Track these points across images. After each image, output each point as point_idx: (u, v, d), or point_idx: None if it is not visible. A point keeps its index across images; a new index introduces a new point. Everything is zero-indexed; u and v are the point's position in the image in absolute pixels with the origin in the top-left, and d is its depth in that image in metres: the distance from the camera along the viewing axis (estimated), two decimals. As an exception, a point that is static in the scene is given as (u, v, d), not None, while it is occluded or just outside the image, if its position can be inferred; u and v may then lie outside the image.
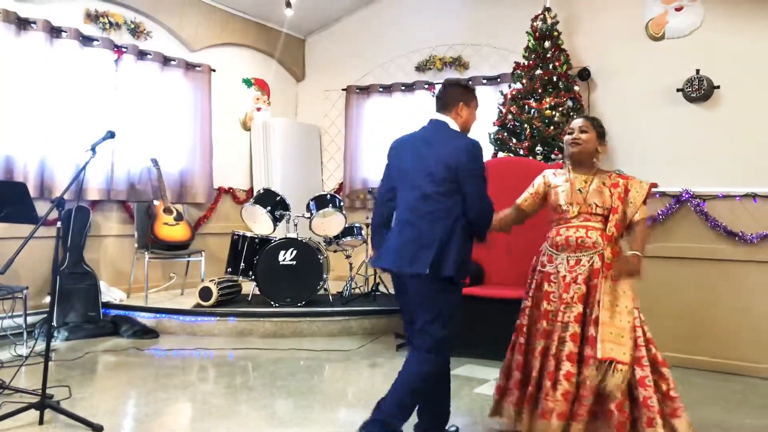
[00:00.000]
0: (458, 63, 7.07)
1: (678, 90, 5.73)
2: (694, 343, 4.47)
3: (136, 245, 5.97)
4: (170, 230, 5.88)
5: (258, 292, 5.65)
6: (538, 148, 5.58)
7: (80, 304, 5.31)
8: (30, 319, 4.92)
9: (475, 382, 4.11)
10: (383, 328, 5.45)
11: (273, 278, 5.49)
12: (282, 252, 5.50)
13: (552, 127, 5.56)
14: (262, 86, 7.73)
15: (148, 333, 5.27)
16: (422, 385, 2.80)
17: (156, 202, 5.98)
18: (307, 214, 5.89)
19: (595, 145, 3.09)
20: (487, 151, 6.01)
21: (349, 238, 6.01)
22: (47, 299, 5.27)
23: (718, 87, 5.57)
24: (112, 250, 6.07)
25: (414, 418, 2.95)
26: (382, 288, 6.06)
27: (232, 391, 3.90)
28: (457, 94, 2.94)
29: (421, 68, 7.29)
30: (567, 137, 3.13)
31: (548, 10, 5.89)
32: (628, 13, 6.05)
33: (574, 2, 6.28)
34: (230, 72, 7.28)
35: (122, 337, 5.19)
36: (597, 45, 6.19)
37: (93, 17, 5.91)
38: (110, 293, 5.72)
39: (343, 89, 7.77)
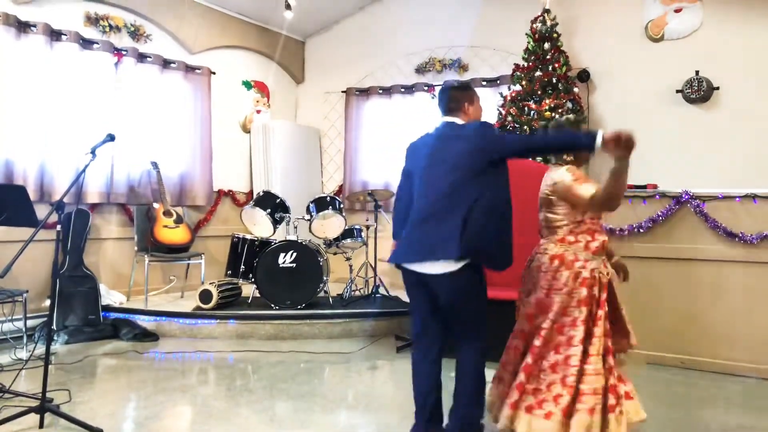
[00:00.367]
0: (458, 65, 7.08)
1: (677, 91, 5.73)
2: (694, 344, 4.46)
3: (135, 248, 5.96)
4: (170, 233, 5.88)
5: (258, 295, 5.64)
6: (538, 150, 5.57)
7: (80, 308, 5.31)
8: (30, 323, 4.92)
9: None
10: (384, 330, 5.44)
11: (273, 281, 5.48)
12: (282, 254, 5.50)
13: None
14: (262, 89, 7.74)
15: (148, 336, 5.27)
16: (483, 374, 2.88)
17: (156, 205, 5.98)
18: (307, 217, 5.89)
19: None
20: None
21: (349, 240, 6.01)
22: (47, 302, 5.27)
23: (718, 88, 5.58)
24: (111, 253, 6.06)
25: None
26: (382, 290, 6.06)
27: (233, 394, 3.90)
28: (459, 96, 3.00)
29: (420, 70, 7.30)
30: None
31: (548, 11, 5.90)
32: (627, 15, 6.06)
33: (573, 4, 6.29)
34: (230, 74, 7.29)
35: (122, 340, 5.19)
36: (596, 46, 6.19)
37: (93, 20, 5.91)
38: (110, 296, 5.71)
39: (342, 91, 7.77)
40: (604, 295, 2.86)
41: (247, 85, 7.56)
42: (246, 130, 7.55)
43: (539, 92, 5.75)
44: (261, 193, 5.95)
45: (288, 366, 4.52)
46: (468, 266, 2.71)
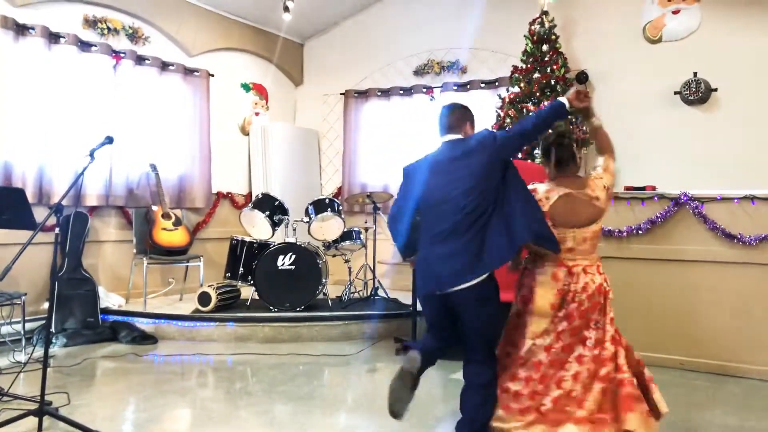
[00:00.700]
0: (456, 67, 7.08)
1: (676, 93, 5.74)
2: (693, 346, 4.47)
3: (134, 251, 5.96)
4: (169, 235, 5.88)
5: (257, 297, 5.64)
6: (536, 152, 5.58)
7: (79, 310, 5.30)
8: (28, 326, 4.91)
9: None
10: (383, 332, 5.44)
11: (272, 283, 5.48)
12: (281, 257, 5.49)
13: (550, 131, 5.55)
14: (261, 91, 7.74)
15: (147, 339, 5.26)
16: (493, 390, 2.86)
17: (154, 208, 5.97)
18: (306, 219, 5.89)
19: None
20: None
21: (347, 243, 6.01)
22: (46, 305, 5.26)
23: (716, 90, 5.59)
24: (110, 256, 6.06)
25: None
26: (381, 292, 6.06)
27: (232, 397, 3.89)
28: (462, 116, 3.03)
29: (419, 72, 7.30)
30: None
31: (546, 13, 5.91)
32: (625, 17, 6.07)
33: (571, 6, 6.29)
34: (228, 77, 7.29)
35: (121, 343, 5.18)
36: (595, 48, 6.20)
37: (91, 23, 5.91)
38: (109, 299, 5.71)
39: (341, 93, 7.78)
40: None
41: (246, 87, 7.56)
42: (245, 132, 7.55)
43: (538, 94, 5.75)
44: (260, 196, 5.95)
45: (287, 368, 4.52)
46: (490, 276, 2.77)
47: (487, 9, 6.83)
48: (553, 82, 5.75)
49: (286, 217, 5.83)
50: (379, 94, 7.52)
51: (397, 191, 3.13)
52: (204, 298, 5.44)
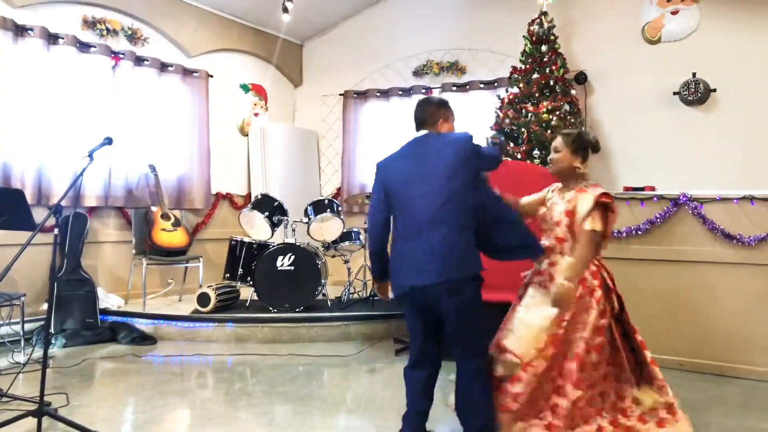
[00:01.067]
0: (455, 67, 7.08)
1: (675, 93, 5.74)
2: (693, 346, 4.47)
3: (133, 251, 5.95)
4: (168, 236, 5.87)
5: (256, 298, 5.64)
6: (536, 152, 5.58)
7: (78, 311, 5.30)
8: (27, 326, 4.91)
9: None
10: (382, 333, 5.44)
11: (271, 284, 5.48)
12: (280, 257, 5.49)
13: (549, 131, 5.56)
14: (260, 92, 7.74)
15: (146, 339, 5.26)
16: (490, 398, 2.86)
17: (154, 208, 5.97)
18: (305, 219, 5.89)
19: (569, 161, 3.06)
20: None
21: (347, 243, 6.01)
22: (45, 306, 5.26)
23: (715, 90, 5.59)
24: (109, 257, 6.06)
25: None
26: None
27: (231, 398, 3.89)
28: (436, 111, 2.96)
29: (418, 73, 7.30)
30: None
31: (545, 14, 5.91)
32: (624, 17, 6.07)
33: (570, 6, 6.30)
34: (228, 78, 7.29)
35: (120, 344, 5.18)
36: (594, 49, 6.21)
37: (90, 24, 5.91)
38: (108, 300, 5.71)
39: (340, 94, 7.78)
40: None
41: (245, 88, 7.56)
42: (244, 133, 7.55)
43: (537, 94, 5.76)
44: (259, 196, 5.95)
45: (286, 369, 4.52)
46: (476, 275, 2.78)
47: (486, 10, 6.83)
48: (552, 82, 5.75)
49: (285, 217, 5.83)
50: (378, 94, 7.52)
51: (372, 189, 3.03)
52: (203, 299, 5.44)
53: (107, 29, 6.02)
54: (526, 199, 3.30)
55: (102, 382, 4.27)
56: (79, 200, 5.65)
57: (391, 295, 2.95)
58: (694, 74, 5.65)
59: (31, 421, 3.12)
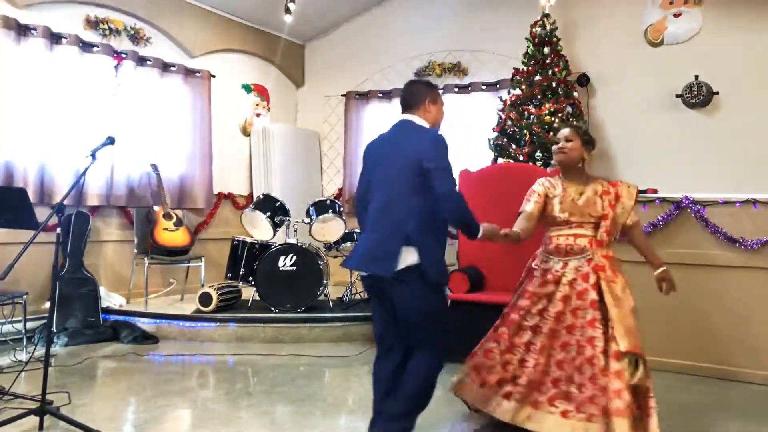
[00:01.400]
0: (457, 69, 7.09)
1: (677, 96, 5.75)
2: (695, 350, 4.46)
3: (135, 251, 5.96)
4: (170, 236, 5.88)
5: (258, 298, 5.64)
6: (538, 154, 5.59)
7: (80, 310, 5.30)
8: (30, 325, 4.91)
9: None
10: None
11: (273, 284, 5.48)
12: (282, 258, 5.50)
13: (551, 133, 5.56)
14: (262, 92, 7.74)
15: (148, 339, 5.26)
16: (429, 389, 2.81)
17: (156, 208, 5.98)
18: (307, 220, 5.89)
19: (580, 153, 3.15)
20: (487, 157, 6.02)
21: (348, 244, 6.01)
22: (47, 305, 5.26)
23: (717, 93, 5.60)
24: (111, 256, 6.06)
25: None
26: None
27: (232, 398, 3.89)
28: (421, 91, 2.91)
29: (420, 74, 7.30)
30: (554, 146, 3.22)
31: (547, 16, 5.92)
32: (627, 19, 6.08)
33: (573, 8, 6.30)
34: (230, 78, 7.29)
35: (122, 343, 5.18)
36: (596, 51, 6.21)
37: (93, 23, 5.92)
38: (110, 299, 5.71)
39: (342, 95, 7.78)
40: (558, 293, 3.02)
41: (247, 88, 7.57)
42: (246, 133, 7.56)
43: (539, 96, 5.76)
44: (261, 197, 5.95)
45: (288, 369, 4.52)
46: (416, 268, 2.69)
47: (488, 11, 6.84)
48: (554, 84, 5.75)
49: (287, 218, 5.83)
50: (380, 95, 7.53)
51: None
52: (205, 299, 5.44)
53: (110, 29, 6.03)
54: (531, 208, 3.16)
55: (104, 381, 4.27)
56: (81, 199, 5.65)
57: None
58: (696, 77, 5.65)
59: (33, 420, 3.14)
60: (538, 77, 5.79)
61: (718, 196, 4.48)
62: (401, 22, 7.43)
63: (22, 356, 4.60)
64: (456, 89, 7.00)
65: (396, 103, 7.35)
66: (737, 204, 4.39)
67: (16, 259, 3.14)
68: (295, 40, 8.09)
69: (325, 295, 5.78)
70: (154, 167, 6.05)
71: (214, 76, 6.98)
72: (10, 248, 4.69)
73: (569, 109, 5.73)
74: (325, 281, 5.63)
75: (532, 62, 5.90)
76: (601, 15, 6.23)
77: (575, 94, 5.90)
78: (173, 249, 5.90)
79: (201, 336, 5.34)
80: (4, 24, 5.17)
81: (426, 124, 2.88)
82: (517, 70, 6.03)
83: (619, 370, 2.80)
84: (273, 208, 5.81)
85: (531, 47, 5.92)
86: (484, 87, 6.85)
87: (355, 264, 2.85)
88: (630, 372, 2.80)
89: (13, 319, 4.78)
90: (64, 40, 5.58)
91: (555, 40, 5.89)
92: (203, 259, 6.14)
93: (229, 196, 7.26)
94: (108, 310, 5.53)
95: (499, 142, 5.87)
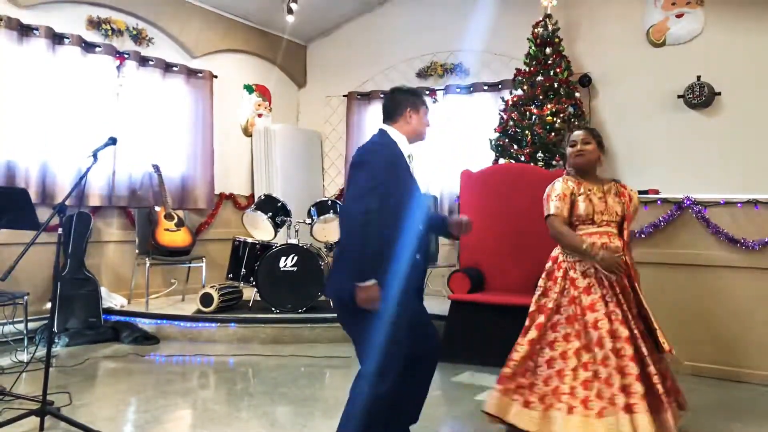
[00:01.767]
0: (459, 69, 7.08)
1: (679, 96, 5.74)
2: (696, 350, 4.45)
3: (137, 251, 5.97)
4: (171, 236, 5.88)
5: (259, 299, 5.64)
6: (540, 155, 5.58)
7: (81, 310, 5.31)
8: (31, 325, 4.91)
9: (476, 389, 4.08)
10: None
11: (274, 284, 5.48)
12: (283, 258, 5.50)
13: (553, 134, 5.56)
14: (264, 92, 7.75)
15: (149, 339, 5.27)
16: (365, 422, 2.58)
17: (157, 208, 5.98)
18: (308, 221, 5.89)
19: (597, 154, 3.18)
20: (488, 158, 6.02)
21: (350, 245, 5.99)
22: (48, 305, 5.26)
23: (719, 93, 5.58)
24: (113, 256, 6.07)
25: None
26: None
27: (233, 398, 3.89)
28: (402, 101, 2.81)
29: (422, 74, 7.30)
30: (570, 149, 3.18)
31: (549, 16, 5.91)
32: (629, 20, 6.07)
33: (575, 9, 6.29)
34: (232, 78, 7.30)
35: (123, 343, 5.19)
36: (598, 51, 6.20)
37: (95, 24, 5.93)
38: (111, 299, 5.71)
39: (344, 95, 7.78)
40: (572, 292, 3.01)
41: (249, 88, 7.57)
42: (247, 133, 7.56)
43: (541, 97, 5.76)
44: (262, 197, 5.95)
45: (289, 370, 4.52)
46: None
47: (490, 12, 6.82)
48: (556, 85, 5.75)
49: (288, 218, 5.83)
50: (381, 96, 7.51)
51: None
52: (206, 299, 5.45)
53: (112, 29, 6.03)
54: (559, 210, 3.07)
55: (104, 382, 4.27)
56: (83, 200, 5.65)
57: None
58: (698, 77, 5.64)
59: (34, 420, 3.14)
60: (540, 78, 5.79)
61: (720, 197, 4.47)
62: (403, 22, 7.42)
63: (23, 357, 4.61)
64: (458, 90, 6.99)
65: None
66: (738, 205, 4.38)
67: (18, 259, 3.14)
68: (296, 41, 8.09)
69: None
70: (156, 167, 6.06)
71: (216, 77, 6.98)
72: (11, 249, 4.70)
73: (571, 109, 5.72)
74: (326, 282, 5.62)
75: (534, 63, 5.89)
76: (603, 15, 6.22)
77: (577, 94, 5.90)
78: (174, 249, 5.90)
79: (202, 336, 5.34)
80: (6, 24, 5.18)
81: (403, 137, 2.77)
82: (519, 70, 6.03)
83: (662, 368, 2.95)
84: (274, 209, 5.81)
85: (533, 48, 5.91)
86: (485, 87, 6.85)
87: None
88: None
89: (15, 319, 4.78)
90: (66, 41, 5.59)
91: (557, 40, 5.89)
92: (204, 259, 6.14)
93: (231, 197, 7.26)
94: (109, 311, 5.54)
95: (501, 143, 5.86)
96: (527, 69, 5.94)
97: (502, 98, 6.28)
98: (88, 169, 3.37)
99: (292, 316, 5.40)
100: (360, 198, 2.51)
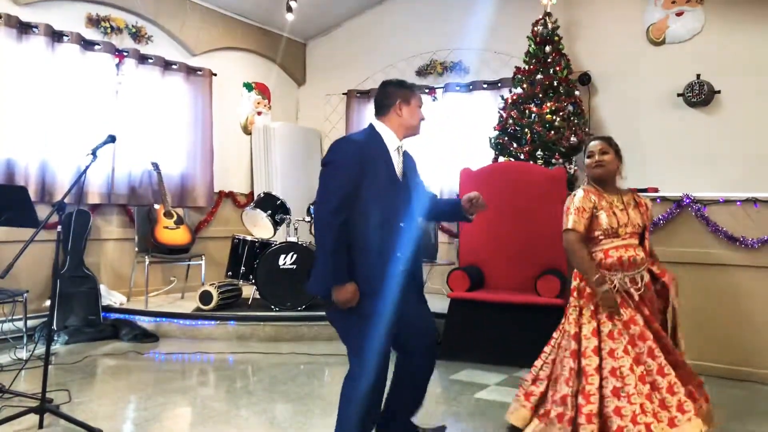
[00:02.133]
0: (459, 67, 7.08)
1: (678, 95, 5.74)
2: (695, 349, 4.44)
3: (136, 249, 5.96)
4: (171, 234, 5.88)
5: (258, 296, 5.64)
6: (539, 153, 5.58)
7: (80, 308, 5.31)
8: (30, 323, 4.92)
9: (475, 387, 4.09)
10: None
11: (273, 282, 5.48)
12: (282, 256, 5.50)
13: (552, 132, 5.56)
14: (263, 90, 7.74)
15: (148, 337, 5.27)
16: (352, 413, 2.60)
17: (156, 206, 5.98)
18: (308, 218, 5.89)
19: (616, 164, 3.11)
20: (488, 156, 6.02)
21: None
22: (47, 303, 5.27)
23: (719, 92, 5.58)
24: (112, 254, 6.07)
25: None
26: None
27: (232, 396, 3.90)
28: (392, 93, 2.75)
29: (422, 73, 7.30)
30: (588, 160, 3.12)
31: (549, 15, 5.90)
32: (628, 18, 6.06)
33: (574, 7, 6.29)
34: (231, 76, 7.29)
35: (122, 341, 5.19)
36: (598, 50, 6.20)
37: (94, 21, 5.92)
38: (110, 297, 5.71)
39: (343, 93, 7.77)
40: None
41: (248, 86, 7.57)
42: (247, 131, 7.56)
43: (540, 95, 5.75)
44: (262, 195, 5.95)
45: (288, 368, 4.52)
46: None
47: (490, 10, 6.81)
48: (555, 83, 5.74)
49: (287, 216, 5.83)
50: (381, 94, 7.50)
51: None
52: (205, 297, 5.45)
53: (111, 27, 6.03)
54: (576, 224, 3.00)
55: (104, 379, 4.28)
56: (82, 197, 5.65)
57: None
58: (698, 76, 5.64)
59: (33, 418, 3.14)
60: (539, 76, 5.78)
61: (719, 195, 4.47)
62: (403, 20, 7.42)
63: (23, 354, 4.61)
64: (457, 88, 6.99)
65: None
66: (738, 203, 4.38)
67: (17, 257, 3.14)
68: (296, 39, 8.09)
69: (326, 294, 5.78)
70: (155, 165, 6.05)
71: (215, 75, 6.97)
72: (10, 246, 4.69)
73: (570, 108, 5.72)
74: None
75: (533, 61, 5.88)
76: (603, 14, 6.21)
77: (577, 93, 5.89)
78: (174, 247, 5.90)
79: (201, 334, 5.34)
80: (5, 22, 5.17)
81: (390, 131, 2.74)
82: (518, 68, 6.02)
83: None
84: (274, 207, 5.81)
85: (533, 46, 5.90)
86: (485, 86, 6.84)
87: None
88: None
89: (14, 317, 4.78)
90: (65, 39, 5.58)
91: (557, 38, 5.88)
92: (204, 257, 6.14)
93: (230, 195, 7.26)
94: (108, 309, 5.54)
95: (500, 141, 5.86)
96: (527, 67, 5.93)
97: (502, 96, 6.28)
98: (87, 167, 3.37)
99: (291, 313, 5.40)
100: (326, 201, 2.55)
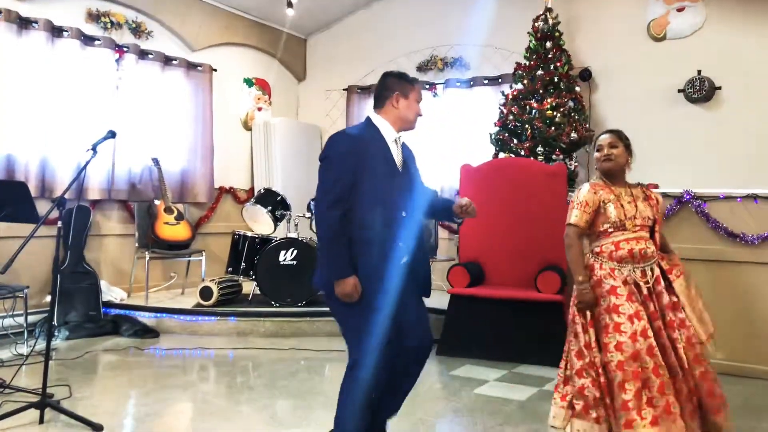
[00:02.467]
0: (459, 63, 7.06)
1: (679, 91, 5.73)
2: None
3: (136, 245, 5.97)
4: (171, 230, 5.88)
5: (258, 292, 5.65)
6: (539, 149, 5.57)
7: (81, 304, 5.31)
8: (31, 319, 4.92)
9: (474, 383, 4.10)
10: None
11: (274, 278, 5.49)
12: (283, 252, 5.50)
13: (553, 128, 5.55)
14: (264, 86, 7.73)
15: (149, 332, 5.27)
16: (349, 404, 2.61)
17: (157, 202, 5.98)
18: (308, 214, 5.89)
19: (625, 158, 3.11)
20: (488, 152, 6.01)
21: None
22: (48, 298, 5.27)
23: (720, 88, 5.57)
24: (112, 250, 6.07)
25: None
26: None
27: (233, 392, 3.90)
28: (390, 85, 2.73)
29: (422, 68, 7.28)
30: (597, 154, 3.11)
31: (550, 10, 5.89)
32: (629, 14, 6.05)
33: (575, 3, 6.28)
34: (231, 72, 7.28)
35: (123, 337, 5.19)
36: (598, 46, 6.19)
37: (94, 17, 5.91)
38: (111, 292, 5.72)
39: (344, 89, 7.77)
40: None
41: (249, 82, 7.56)
42: (247, 127, 7.55)
43: (541, 91, 5.74)
44: (262, 191, 5.95)
45: (288, 363, 4.53)
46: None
47: (491, 6, 6.80)
48: (556, 79, 5.73)
49: (288, 212, 5.83)
50: (381, 89, 7.49)
51: None
52: (206, 293, 5.45)
53: (111, 22, 6.02)
54: (579, 219, 2.99)
55: (104, 375, 4.28)
56: (82, 193, 5.65)
57: None
58: (699, 72, 5.63)
59: (34, 413, 3.14)
60: (540, 72, 5.77)
61: (719, 191, 4.47)
62: (403, 16, 7.40)
63: (23, 350, 4.62)
64: (458, 84, 6.98)
65: (397, 97, 7.36)
66: (738, 199, 4.38)
67: (17, 253, 3.15)
68: (296, 34, 8.07)
69: (326, 290, 5.78)
70: (156, 161, 6.05)
71: (215, 70, 6.96)
72: (11, 242, 4.70)
73: (571, 103, 5.71)
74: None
75: (534, 57, 5.87)
76: (603, 9, 6.20)
77: (577, 88, 5.88)
78: (174, 243, 5.90)
79: (202, 330, 5.35)
80: (5, 17, 5.16)
81: (387, 123, 2.72)
82: (519, 64, 6.01)
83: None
84: (274, 203, 5.81)
85: (533, 42, 5.89)
86: (486, 81, 6.83)
87: None
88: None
89: (14, 312, 4.78)
90: (65, 34, 5.57)
91: (557, 34, 5.87)
92: (204, 253, 6.14)
93: (230, 190, 7.26)
94: (109, 304, 5.54)
95: (501, 137, 5.86)
96: (527, 63, 5.92)
97: (502, 92, 6.26)
98: (88, 163, 3.37)
99: (291, 309, 5.41)
100: (324, 195, 2.57)
